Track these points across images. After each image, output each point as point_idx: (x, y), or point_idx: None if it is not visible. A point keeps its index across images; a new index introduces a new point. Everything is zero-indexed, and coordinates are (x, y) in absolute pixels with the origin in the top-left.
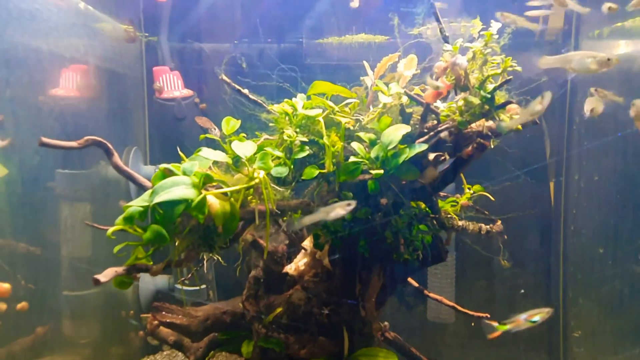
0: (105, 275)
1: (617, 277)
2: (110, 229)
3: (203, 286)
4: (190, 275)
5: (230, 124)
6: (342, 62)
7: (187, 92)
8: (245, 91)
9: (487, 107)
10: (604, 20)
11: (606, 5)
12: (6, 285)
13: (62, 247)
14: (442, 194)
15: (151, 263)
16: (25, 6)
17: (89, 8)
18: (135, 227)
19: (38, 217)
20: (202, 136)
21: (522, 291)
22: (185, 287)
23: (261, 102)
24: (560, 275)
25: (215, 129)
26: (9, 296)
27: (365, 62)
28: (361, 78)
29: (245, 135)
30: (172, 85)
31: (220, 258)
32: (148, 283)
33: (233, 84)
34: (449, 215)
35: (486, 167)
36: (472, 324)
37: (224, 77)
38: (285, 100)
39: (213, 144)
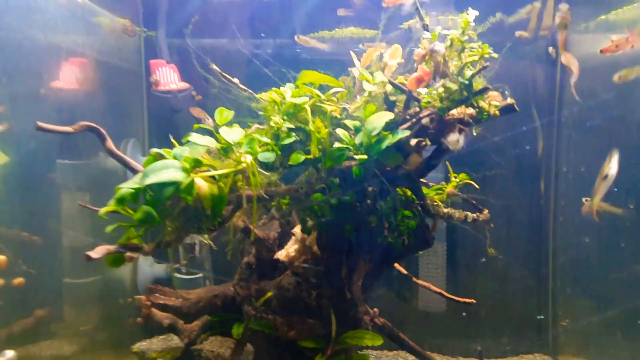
0: (96, 252)
1: (602, 266)
2: (103, 210)
3: (200, 274)
4: (186, 262)
5: (224, 114)
6: (335, 56)
7: (183, 84)
8: (236, 80)
9: (465, 93)
10: (590, 14)
11: None
12: (2, 257)
13: (63, 236)
14: (430, 183)
15: (143, 244)
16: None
17: (87, 2)
18: (127, 208)
19: (40, 207)
20: (195, 126)
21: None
22: (182, 276)
23: (250, 91)
24: (550, 265)
25: (208, 119)
26: (6, 268)
27: (352, 53)
28: (349, 69)
29: (238, 125)
30: (168, 78)
31: (213, 244)
32: (146, 272)
33: (223, 74)
34: (434, 203)
35: (478, 159)
36: (464, 314)
37: (214, 67)
38: (274, 88)
39: (208, 134)
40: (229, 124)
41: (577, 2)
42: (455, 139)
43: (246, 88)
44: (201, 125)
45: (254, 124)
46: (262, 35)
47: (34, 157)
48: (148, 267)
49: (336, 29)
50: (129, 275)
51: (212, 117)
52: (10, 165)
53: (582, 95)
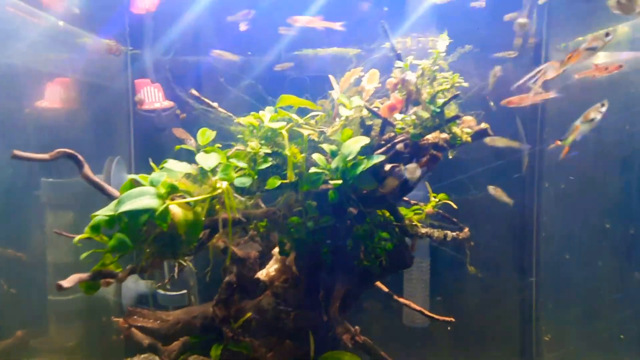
0: (69, 281)
1: (581, 283)
2: (77, 237)
3: (184, 291)
4: (167, 281)
5: (206, 134)
6: (319, 73)
7: (167, 103)
8: (215, 104)
9: (437, 120)
10: (569, 34)
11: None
12: None
13: (48, 254)
14: (412, 201)
15: (119, 270)
16: (4, 26)
17: (69, 26)
18: (102, 235)
19: (24, 225)
20: (177, 147)
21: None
22: (167, 293)
23: (230, 114)
24: (533, 280)
25: (191, 140)
26: None
27: (331, 76)
28: (329, 92)
29: (220, 146)
30: (153, 97)
31: (192, 265)
32: (130, 289)
33: (202, 98)
34: (413, 223)
35: (460, 175)
36: (449, 328)
37: (194, 92)
38: (252, 112)
39: (191, 155)
40: (211, 144)
41: (556, 22)
42: (413, 167)
43: (225, 111)
44: (183, 146)
45: (236, 144)
46: (249, 53)
47: (18, 175)
48: (132, 283)
49: (318, 49)
50: (113, 292)
51: (195, 137)
52: None
53: (562, 112)
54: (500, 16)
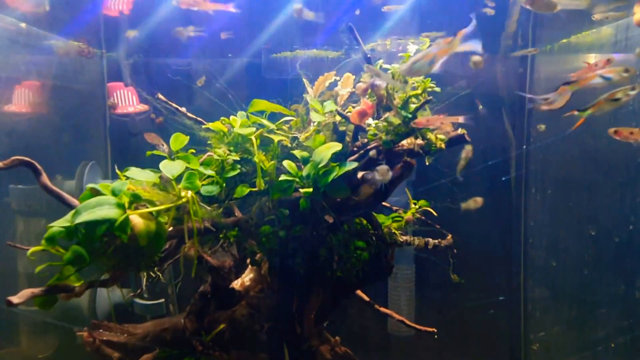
0: (20, 297)
1: (567, 291)
2: (30, 250)
3: (162, 300)
4: (142, 289)
5: (179, 139)
6: (299, 76)
7: (141, 107)
8: (183, 109)
9: (410, 126)
10: (554, 37)
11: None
12: None
13: (19, 263)
14: (394, 208)
15: (79, 283)
16: None
17: (33, 28)
18: (58, 248)
19: None
20: (148, 153)
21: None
22: (143, 302)
23: (200, 119)
24: (520, 287)
25: (163, 145)
26: None
27: (305, 80)
28: (304, 95)
29: (194, 152)
30: (126, 100)
31: (161, 275)
32: (104, 298)
33: (170, 103)
34: (392, 231)
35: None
36: (435, 337)
37: (160, 96)
38: (222, 118)
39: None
40: (185, 149)
41: (542, 24)
42: (384, 170)
43: (194, 116)
44: (154, 152)
45: (211, 149)
46: (230, 55)
47: None
48: (106, 292)
49: (297, 50)
50: (87, 300)
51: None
52: None
53: (547, 116)
54: (482, 11)
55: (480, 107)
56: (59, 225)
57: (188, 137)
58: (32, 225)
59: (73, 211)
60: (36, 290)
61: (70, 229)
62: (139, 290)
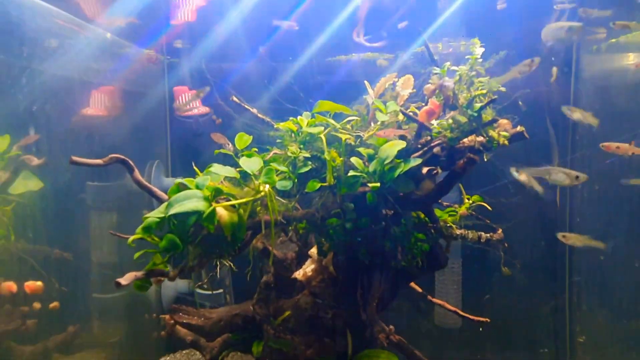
0: (125, 279)
1: (616, 284)
2: (131, 238)
3: (220, 291)
4: (206, 280)
5: (243, 139)
6: (351, 79)
7: (204, 109)
8: (254, 110)
9: (474, 124)
10: (600, 38)
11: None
12: (39, 283)
13: (92, 254)
14: (445, 203)
15: (168, 269)
16: (59, 42)
17: (115, 37)
18: (153, 236)
19: (70, 226)
20: (216, 151)
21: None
22: (203, 292)
23: (269, 119)
24: (566, 281)
25: (228, 144)
26: (42, 294)
27: (366, 82)
28: (364, 96)
29: (256, 150)
30: (190, 103)
31: (232, 265)
32: (169, 288)
33: (244, 104)
34: (447, 225)
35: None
36: (481, 329)
37: (235, 98)
38: (291, 118)
39: (229, 158)
40: (248, 148)
41: (591, 23)
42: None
43: (264, 117)
44: (222, 151)
45: (272, 148)
46: (290, 58)
47: (66, 179)
48: (171, 283)
49: (352, 54)
50: (154, 290)
51: (233, 141)
52: (44, 188)
53: (596, 115)
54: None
55: (524, 108)
56: (154, 215)
57: (252, 136)
58: (105, 220)
59: (166, 203)
60: (138, 273)
61: (164, 220)
62: (205, 280)
